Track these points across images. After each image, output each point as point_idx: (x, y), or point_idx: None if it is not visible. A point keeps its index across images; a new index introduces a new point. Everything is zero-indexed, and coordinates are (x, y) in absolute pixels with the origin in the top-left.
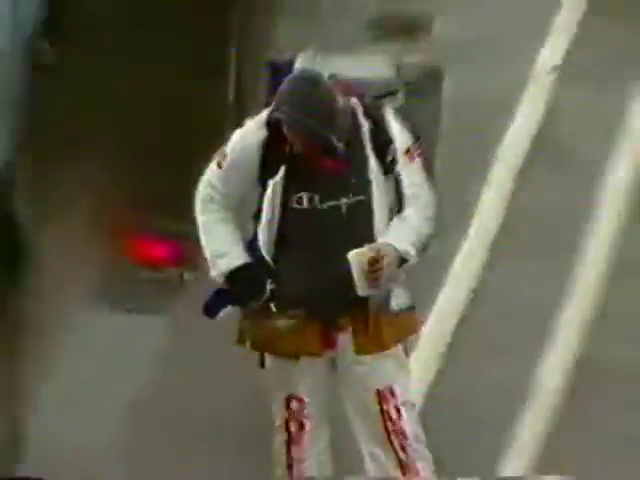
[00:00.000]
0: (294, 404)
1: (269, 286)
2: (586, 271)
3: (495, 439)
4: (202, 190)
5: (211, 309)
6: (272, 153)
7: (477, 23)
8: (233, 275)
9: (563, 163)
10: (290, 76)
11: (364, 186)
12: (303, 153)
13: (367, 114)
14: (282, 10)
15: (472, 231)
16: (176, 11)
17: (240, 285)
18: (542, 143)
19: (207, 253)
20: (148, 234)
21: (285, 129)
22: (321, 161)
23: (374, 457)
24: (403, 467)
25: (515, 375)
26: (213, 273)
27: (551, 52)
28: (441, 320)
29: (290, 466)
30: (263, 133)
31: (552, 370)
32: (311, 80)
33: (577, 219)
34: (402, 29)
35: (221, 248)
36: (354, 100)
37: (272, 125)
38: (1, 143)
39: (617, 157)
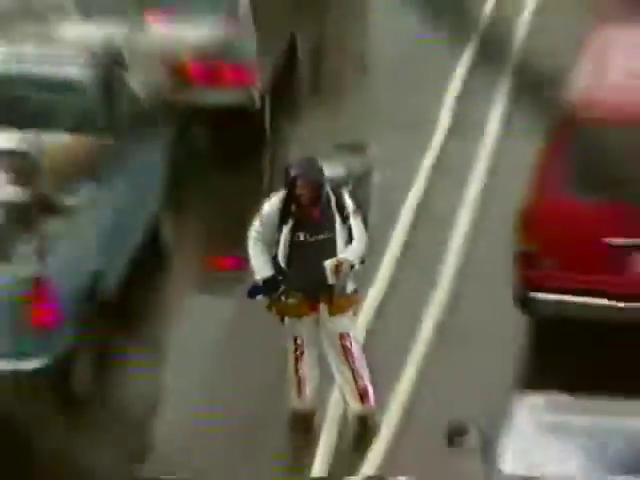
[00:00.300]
0: (298, 340)
1: (282, 286)
2: (445, 275)
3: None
4: (252, 235)
5: (251, 294)
6: (285, 213)
7: (387, 150)
8: (264, 281)
9: (432, 222)
10: (299, 158)
11: (332, 229)
12: (307, 202)
13: (333, 192)
14: (292, 141)
15: (387, 252)
16: (235, 143)
17: (267, 286)
18: (421, 210)
19: (253, 267)
20: (225, 253)
21: (299, 182)
22: (311, 212)
23: (340, 370)
24: (354, 372)
25: (405, 330)
26: (256, 277)
27: (428, 161)
28: (372, 298)
29: (297, 371)
30: (280, 203)
31: (426, 330)
32: (311, 158)
33: (440, 244)
34: (351, 150)
35: (259, 266)
36: (327, 184)
37: (288, 186)
38: (162, 194)
39: (464, 212)
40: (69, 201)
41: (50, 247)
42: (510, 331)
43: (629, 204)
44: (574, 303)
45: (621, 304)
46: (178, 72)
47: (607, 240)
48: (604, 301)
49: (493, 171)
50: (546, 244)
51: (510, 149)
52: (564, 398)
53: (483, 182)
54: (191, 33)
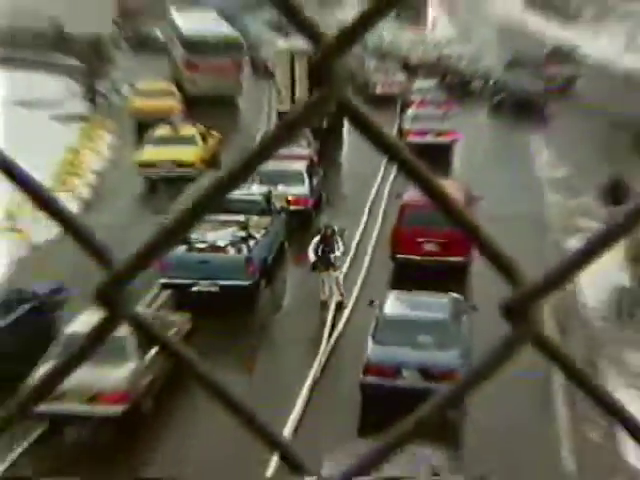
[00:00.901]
0: (324, 280)
1: (319, 264)
2: (367, 258)
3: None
4: (310, 249)
5: (312, 269)
6: (319, 242)
7: (348, 225)
8: (313, 263)
9: (362, 250)
10: (325, 225)
11: (333, 247)
12: (328, 237)
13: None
14: (321, 222)
15: (347, 256)
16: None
17: (314, 264)
18: (359, 246)
19: (310, 259)
20: (302, 254)
21: (326, 231)
22: (329, 242)
23: (336, 288)
24: (339, 288)
25: (355, 278)
26: (311, 262)
27: (361, 226)
28: (345, 267)
29: (323, 289)
30: (319, 240)
31: (360, 278)
32: (330, 225)
33: (365, 254)
34: (339, 228)
35: (312, 258)
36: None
37: (323, 233)
38: (284, 234)
39: (372, 241)
40: (258, 234)
41: (252, 249)
42: (389, 268)
43: (421, 227)
44: (410, 258)
45: (417, 257)
46: (286, 202)
47: (417, 239)
48: (418, 257)
49: (382, 228)
50: (398, 243)
51: (387, 219)
52: (406, 292)
53: (379, 229)
54: (289, 189)
